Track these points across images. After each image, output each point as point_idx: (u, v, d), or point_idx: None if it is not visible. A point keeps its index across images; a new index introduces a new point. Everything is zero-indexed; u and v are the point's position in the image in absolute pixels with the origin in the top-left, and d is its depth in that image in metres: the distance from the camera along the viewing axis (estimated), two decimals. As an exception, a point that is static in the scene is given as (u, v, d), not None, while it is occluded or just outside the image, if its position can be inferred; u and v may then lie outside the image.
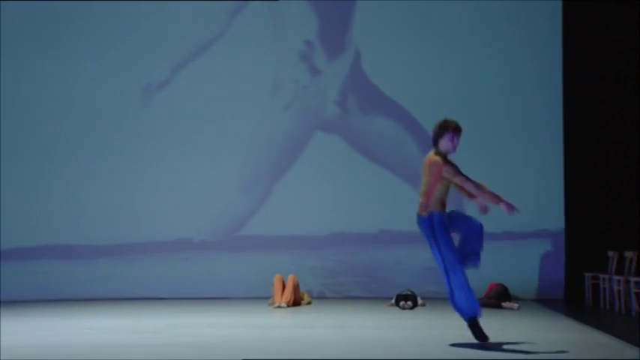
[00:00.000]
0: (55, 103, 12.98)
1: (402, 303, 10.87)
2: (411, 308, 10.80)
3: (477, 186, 6.96)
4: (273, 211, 12.81)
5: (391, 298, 11.24)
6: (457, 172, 6.96)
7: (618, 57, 12.49)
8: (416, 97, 12.75)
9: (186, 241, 12.85)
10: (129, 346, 7.34)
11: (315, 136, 12.95)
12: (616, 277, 10.73)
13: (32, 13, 13.03)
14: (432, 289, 11.82)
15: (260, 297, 12.02)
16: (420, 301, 11.03)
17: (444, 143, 7.06)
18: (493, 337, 7.32)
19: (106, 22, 13.03)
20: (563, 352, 6.79)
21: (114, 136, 12.96)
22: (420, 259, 12.00)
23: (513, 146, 12.64)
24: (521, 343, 7.24)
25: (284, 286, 11.28)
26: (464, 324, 7.14)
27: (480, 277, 10.82)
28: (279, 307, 10.99)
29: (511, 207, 6.90)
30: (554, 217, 12.45)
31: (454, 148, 7.09)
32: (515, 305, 10.92)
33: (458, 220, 7.11)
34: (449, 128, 7.06)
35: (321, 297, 12.56)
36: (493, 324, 8.55)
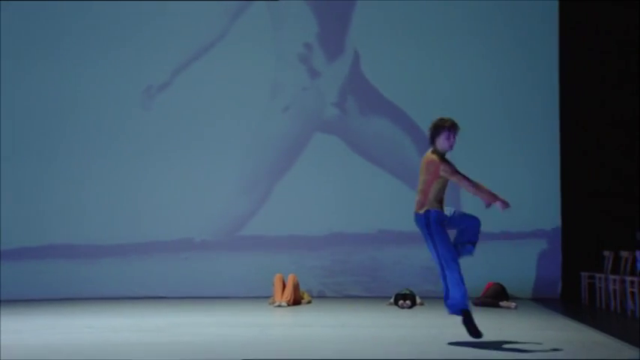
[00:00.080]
0: (57, 104, 12.98)
1: (400, 302, 10.88)
2: (410, 307, 10.81)
3: (474, 184, 7.01)
4: (274, 211, 12.80)
5: (390, 298, 11.25)
6: (454, 170, 7.00)
7: (615, 57, 12.48)
8: (413, 97, 12.75)
9: (188, 241, 12.84)
10: (131, 345, 7.36)
11: (315, 137, 12.94)
12: (612, 277, 10.73)
13: (34, 15, 13.03)
14: (430, 288, 11.84)
15: (260, 296, 12.01)
16: (418, 300, 11.03)
17: (441, 142, 7.08)
18: (490, 335, 7.35)
19: (107, 24, 13.03)
20: (560, 350, 6.82)
21: (116, 137, 12.96)
22: (419, 259, 12.05)
23: (510, 146, 12.65)
24: (518, 341, 7.26)
25: (284, 286, 11.28)
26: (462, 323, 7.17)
27: (478, 276, 10.99)
28: (279, 306, 10.99)
29: (505, 204, 6.97)
30: (551, 217, 12.47)
31: (451, 147, 7.10)
32: (513, 304, 10.93)
33: (457, 218, 7.15)
34: (444, 126, 7.08)
35: (321, 296, 12.55)
36: (490, 323, 8.56)
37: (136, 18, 13.06)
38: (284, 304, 11.03)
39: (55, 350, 7.04)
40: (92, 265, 12.74)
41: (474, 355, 6.63)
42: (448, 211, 7.14)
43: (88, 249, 12.79)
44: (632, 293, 10.09)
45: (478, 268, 11.03)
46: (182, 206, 12.84)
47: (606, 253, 11.32)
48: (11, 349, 7.01)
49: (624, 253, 10.74)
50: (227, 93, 12.92)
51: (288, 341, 7.64)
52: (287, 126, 12.98)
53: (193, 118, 12.95)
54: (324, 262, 12.77)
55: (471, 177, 7.06)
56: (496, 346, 7.04)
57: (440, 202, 7.09)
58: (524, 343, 7.19)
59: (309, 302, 11.58)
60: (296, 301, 11.24)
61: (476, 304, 10.80)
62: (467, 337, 7.12)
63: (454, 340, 7.20)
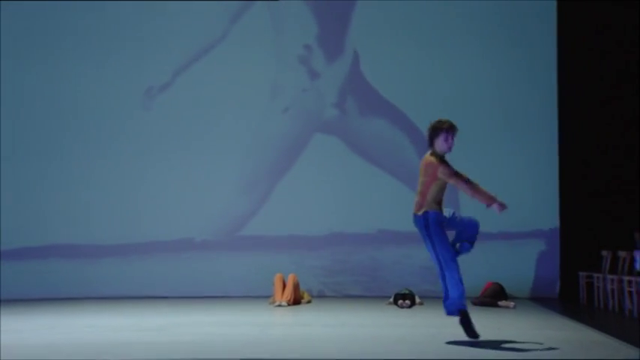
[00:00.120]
0: (59, 104, 13.00)
1: (400, 302, 10.89)
2: (409, 307, 10.83)
3: (472, 187, 7.02)
4: (274, 211, 12.82)
5: (389, 297, 11.26)
6: (452, 173, 7.01)
7: (613, 57, 12.49)
8: (412, 98, 12.77)
9: (188, 241, 12.87)
10: (131, 344, 7.38)
11: (315, 138, 12.97)
12: (610, 277, 10.77)
13: (34, 15, 13.04)
14: (429, 288, 11.88)
15: (261, 296, 12.03)
16: (417, 299, 11.04)
17: (439, 143, 7.10)
18: (489, 335, 7.40)
19: (108, 25, 13.05)
20: (558, 349, 6.85)
21: (117, 138, 12.98)
22: (418, 259, 12.09)
23: (509, 146, 12.67)
24: (517, 341, 7.28)
25: (284, 285, 11.29)
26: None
27: (477, 276, 11.03)
28: (279, 305, 11.01)
29: (502, 207, 7.00)
30: (549, 217, 12.50)
31: (449, 148, 7.11)
32: (511, 304, 10.95)
33: (456, 220, 7.18)
34: (442, 128, 7.09)
35: (321, 296, 12.57)
36: (489, 322, 8.63)
37: (137, 19, 13.08)
38: (284, 303, 11.04)
39: (56, 350, 7.05)
40: (93, 264, 12.77)
41: (473, 355, 6.65)
42: (447, 212, 7.16)
43: (90, 249, 12.82)
44: (630, 293, 10.12)
45: (477, 268, 11.10)
46: (183, 206, 12.85)
47: (604, 253, 11.35)
48: (12, 348, 7.03)
49: (622, 253, 10.77)
50: (227, 94, 12.94)
51: (288, 340, 7.66)
52: (287, 126, 13.00)
53: (194, 118, 12.98)
54: (323, 261, 12.79)
55: (470, 178, 7.06)
56: (495, 345, 7.06)
57: (439, 203, 7.11)
58: (523, 342, 7.22)
59: (309, 302, 11.59)
60: (296, 300, 11.25)
61: (475, 304, 10.85)
62: (465, 336, 7.15)
63: (453, 340, 7.21)
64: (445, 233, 7.09)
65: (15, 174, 12.95)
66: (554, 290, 12.44)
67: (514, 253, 12.42)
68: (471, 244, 7.21)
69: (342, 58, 13.03)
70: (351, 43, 13.03)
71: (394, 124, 12.85)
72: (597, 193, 12.38)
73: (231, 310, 10.58)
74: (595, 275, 11.39)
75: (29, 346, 7.30)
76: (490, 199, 7.02)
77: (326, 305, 11.28)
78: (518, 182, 12.42)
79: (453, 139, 7.12)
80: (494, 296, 11.13)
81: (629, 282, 10.14)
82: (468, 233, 7.18)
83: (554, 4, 12.70)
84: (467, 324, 7.13)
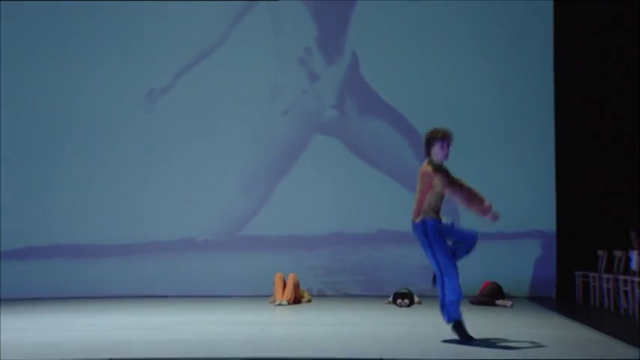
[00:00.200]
0: (63, 106, 13.04)
1: (399, 301, 10.92)
2: (408, 306, 10.85)
3: (466, 198, 7.06)
4: (274, 211, 12.85)
5: (389, 296, 11.28)
6: (447, 183, 7.04)
7: (610, 57, 12.46)
8: (410, 98, 12.79)
9: (190, 241, 12.89)
10: (134, 343, 7.41)
11: (314, 139, 13.00)
12: (605, 276, 10.82)
13: (37, 18, 13.07)
14: (428, 287, 11.68)
15: (261, 295, 12.03)
16: (416, 298, 11.06)
17: (435, 153, 7.14)
18: (487, 333, 7.46)
19: (110, 28, 13.08)
20: (555, 348, 6.91)
21: (120, 140, 13.02)
22: (417, 259, 11.99)
23: (506, 147, 12.68)
24: (514, 339, 7.33)
25: (285, 285, 11.31)
26: (459, 322, 7.24)
27: (475, 275, 11.05)
28: (280, 304, 11.04)
29: (496, 218, 7.07)
30: (546, 218, 12.51)
31: (445, 157, 7.14)
32: (509, 303, 10.99)
33: (454, 230, 7.21)
34: (437, 137, 7.13)
35: (321, 295, 12.57)
36: (487, 321, 8.69)
37: (139, 23, 13.11)
38: (284, 302, 11.07)
39: (59, 348, 7.08)
40: (96, 264, 12.80)
41: (471, 353, 6.68)
42: (446, 219, 7.19)
43: (93, 249, 12.86)
44: (625, 292, 10.15)
45: (475, 268, 11.10)
46: (184, 207, 12.88)
47: (600, 252, 11.36)
48: (17, 346, 7.08)
49: (618, 253, 10.79)
50: (228, 96, 12.96)
51: (288, 339, 7.68)
52: (287, 128, 13.02)
53: (195, 120, 13.00)
54: (323, 261, 12.82)
55: (467, 185, 7.09)
56: (492, 343, 7.10)
57: (436, 212, 7.15)
58: (520, 340, 7.26)
59: (309, 301, 11.62)
60: (296, 299, 11.28)
61: (472, 303, 10.89)
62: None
63: (451, 338, 7.24)
64: (444, 240, 7.13)
65: (19, 175, 12.99)
66: (551, 289, 12.46)
67: (512, 253, 12.42)
68: (468, 252, 7.25)
69: (341, 59, 13.06)
70: (350, 44, 13.05)
71: (393, 126, 12.87)
72: (593, 193, 12.37)
73: (232, 309, 10.60)
74: (591, 275, 11.41)
75: (34, 344, 7.33)
76: (484, 211, 7.05)
77: (326, 304, 11.30)
78: (515, 183, 12.46)
79: (448, 147, 7.15)
80: (491, 295, 11.16)
81: (625, 281, 10.17)
82: (465, 245, 7.21)
83: (551, 4, 12.69)
84: (460, 332, 7.18)
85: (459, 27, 12.89)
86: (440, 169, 7.14)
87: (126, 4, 13.07)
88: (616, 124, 12.49)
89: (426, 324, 8.74)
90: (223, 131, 13.00)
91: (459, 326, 7.20)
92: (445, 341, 7.21)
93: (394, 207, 12.19)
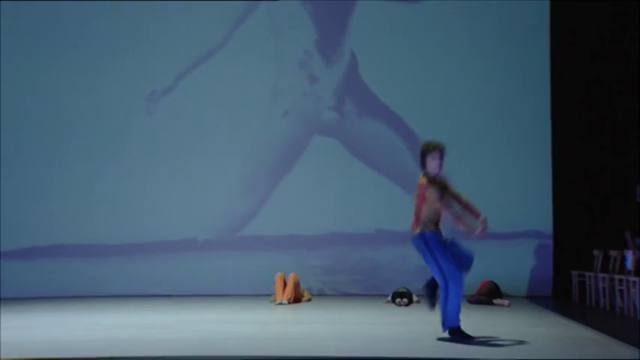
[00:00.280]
0: (66, 108, 13.07)
1: (397, 300, 10.95)
2: (407, 305, 10.89)
3: (456, 214, 7.10)
4: (274, 211, 12.88)
5: (388, 296, 11.32)
6: (438, 198, 7.08)
7: (606, 57, 12.45)
8: (408, 100, 12.81)
9: (191, 241, 12.92)
10: (137, 341, 7.47)
11: (314, 140, 13.03)
12: (601, 275, 10.86)
13: (39, 20, 13.11)
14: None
15: (262, 294, 12.06)
16: (415, 298, 11.06)
17: (429, 165, 7.21)
18: (484, 332, 7.52)
19: (111, 30, 13.12)
20: (551, 346, 6.99)
21: (122, 141, 13.05)
22: (416, 258, 11.83)
23: (502, 147, 12.69)
24: (511, 338, 7.39)
25: (285, 284, 11.36)
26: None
27: (472, 275, 10.93)
28: (280, 304, 11.09)
29: (483, 234, 7.12)
30: (543, 218, 12.52)
31: (438, 168, 7.19)
32: (506, 302, 11.02)
33: (453, 248, 7.22)
34: (428, 150, 7.20)
35: (321, 294, 12.60)
36: (484, 320, 8.73)
37: (140, 25, 13.14)
38: (285, 301, 11.12)
39: (63, 346, 7.14)
40: (100, 264, 12.84)
41: (468, 352, 6.73)
42: (445, 237, 7.23)
43: (96, 249, 12.90)
44: (621, 291, 10.20)
45: (473, 267, 11.19)
46: (186, 207, 12.91)
47: (596, 252, 11.42)
48: (21, 344, 7.14)
49: (613, 253, 10.86)
50: (229, 98, 13.00)
51: (288, 338, 7.72)
52: (287, 129, 13.05)
53: (196, 121, 13.03)
54: (323, 261, 12.84)
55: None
56: (490, 342, 7.17)
57: (435, 224, 7.19)
58: (517, 339, 7.31)
59: (309, 300, 11.67)
60: (296, 299, 11.33)
61: (470, 302, 10.91)
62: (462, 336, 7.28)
63: (449, 337, 7.30)
64: (446, 247, 7.14)
65: (23, 175, 13.03)
66: (548, 289, 12.47)
67: (508, 252, 12.43)
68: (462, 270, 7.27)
69: (340, 61, 13.09)
70: (349, 46, 13.08)
71: (391, 127, 12.88)
72: (590, 193, 12.39)
73: (233, 308, 10.63)
74: (587, 274, 11.45)
75: (38, 342, 7.40)
76: (472, 230, 7.08)
77: (325, 303, 11.33)
78: (512, 183, 12.49)
79: (440, 159, 7.19)
80: (489, 294, 11.19)
81: (620, 280, 10.22)
82: (461, 263, 7.23)
83: (547, 4, 12.70)
84: (459, 336, 7.23)
85: (457, 28, 12.91)
86: (434, 181, 7.17)
87: (127, 6, 13.11)
88: (612, 124, 12.49)
89: (425, 323, 8.72)
90: (224, 132, 13.03)
91: (457, 331, 7.26)
92: (443, 340, 7.26)
93: (393, 207, 12.24)
